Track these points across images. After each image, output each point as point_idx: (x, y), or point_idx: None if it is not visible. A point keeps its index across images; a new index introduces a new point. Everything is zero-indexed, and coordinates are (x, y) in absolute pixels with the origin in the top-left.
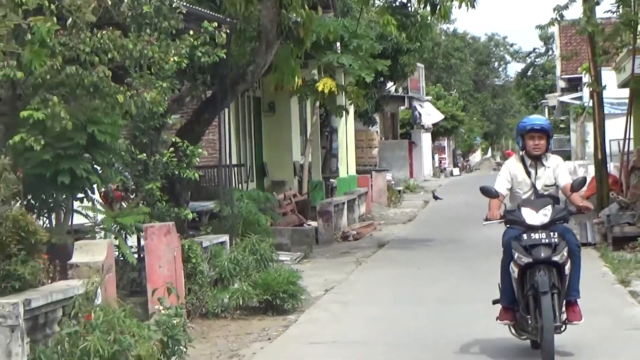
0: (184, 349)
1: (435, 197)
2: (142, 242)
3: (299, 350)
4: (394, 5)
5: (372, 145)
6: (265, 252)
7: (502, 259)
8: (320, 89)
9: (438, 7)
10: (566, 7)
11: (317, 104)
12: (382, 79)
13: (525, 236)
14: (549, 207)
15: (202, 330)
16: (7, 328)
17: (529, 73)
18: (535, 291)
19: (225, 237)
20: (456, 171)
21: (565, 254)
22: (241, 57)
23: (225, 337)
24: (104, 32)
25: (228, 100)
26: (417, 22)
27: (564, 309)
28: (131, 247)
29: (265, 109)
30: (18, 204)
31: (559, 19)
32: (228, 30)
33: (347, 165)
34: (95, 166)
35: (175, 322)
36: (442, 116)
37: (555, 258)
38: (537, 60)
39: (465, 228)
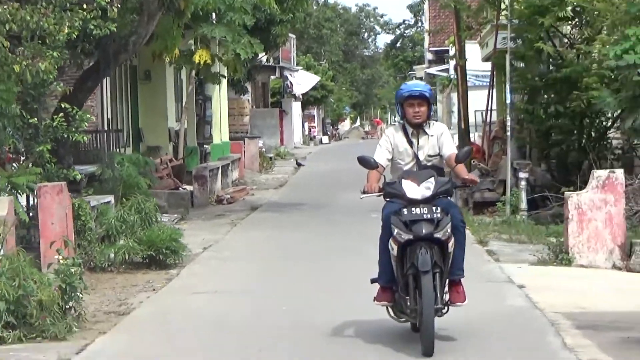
0: (80, 295)
1: (298, 164)
2: (32, 201)
3: (182, 299)
4: None
5: (243, 113)
6: (150, 211)
7: (381, 235)
8: (197, 60)
9: None
10: None
11: (193, 73)
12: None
13: (405, 211)
14: (432, 179)
15: (90, 283)
16: None
17: (398, 44)
18: (415, 270)
19: (110, 198)
20: (325, 139)
21: (449, 230)
22: (123, 27)
23: (112, 289)
24: (5, 6)
25: (110, 69)
26: None
27: (446, 289)
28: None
29: (141, 77)
30: None
31: None
32: (119, 5)
33: (220, 132)
34: None
35: (73, 270)
36: (316, 79)
37: (438, 235)
38: (406, 32)
39: (334, 193)
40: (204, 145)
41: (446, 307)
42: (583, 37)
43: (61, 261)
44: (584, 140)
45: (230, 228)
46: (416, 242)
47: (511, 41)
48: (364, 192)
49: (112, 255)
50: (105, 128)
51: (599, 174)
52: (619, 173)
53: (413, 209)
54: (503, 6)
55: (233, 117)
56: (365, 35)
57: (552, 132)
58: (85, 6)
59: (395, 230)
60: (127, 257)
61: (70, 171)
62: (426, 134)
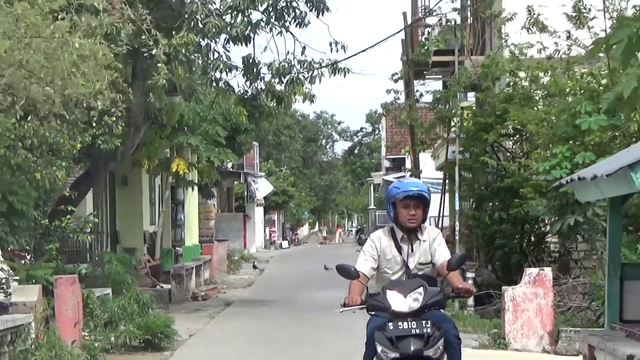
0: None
1: (255, 267)
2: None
3: None
4: (245, 97)
5: (209, 217)
6: (147, 301)
7: (364, 354)
8: (174, 169)
9: (283, 100)
10: (392, 104)
11: (169, 179)
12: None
13: (391, 325)
14: (421, 289)
15: None
16: None
17: (356, 151)
18: None
19: (109, 290)
20: (285, 244)
21: (441, 347)
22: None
23: None
24: (29, 123)
25: (101, 176)
26: (263, 111)
27: None
28: None
29: (118, 182)
30: None
31: (384, 114)
32: (123, 124)
33: (191, 235)
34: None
35: (96, 344)
36: (271, 187)
37: (429, 352)
38: (363, 139)
39: (297, 292)
40: (176, 247)
41: None
42: (523, 152)
43: (87, 338)
44: (524, 244)
45: (209, 320)
46: None
47: (460, 154)
48: (343, 305)
49: (112, 338)
50: (88, 230)
51: (531, 271)
52: (548, 270)
53: (399, 323)
54: (453, 124)
55: (200, 221)
56: (324, 141)
57: (497, 236)
58: (94, 124)
59: (380, 348)
60: (128, 341)
61: (76, 267)
62: (418, 239)
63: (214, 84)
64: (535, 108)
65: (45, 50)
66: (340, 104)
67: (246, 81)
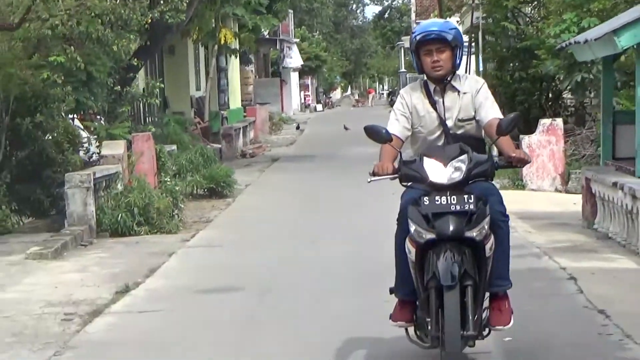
0: (182, 206)
1: (298, 128)
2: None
3: (241, 213)
4: None
5: (247, 82)
6: (211, 155)
7: (396, 232)
8: (222, 41)
9: None
10: None
11: (216, 48)
12: None
13: (426, 200)
14: (464, 157)
15: None
16: (84, 188)
17: (386, 15)
18: (437, 283)
19: (174, 146)
20: (319, 107)
21: (486, 227)
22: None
23: (189, 210)
24: (107, 2)
25: (158, 47)
26: None
27: (486, 304)
28: None
29: (166, 51)
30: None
31: None
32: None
33: (235, 99)
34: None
35: (177, 188)
36: (301, 62)
37: (471, 233)
38: (393, 2)
39: (336, 148)
40: (221, 111)
41: (487, 330)
42: (540, 17)
43: (168, 183)
44: (543, 100)
45: (259, 173)
46: (441, 244)
47: (483, 19)
48: (372, 174)
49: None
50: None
51: (544, 122)
52: (559, 121)
53: (437, 197)
54: None
55: (240, 87)
56: (354, 6)
57: (517, 93)
58: (161, 2)
59: (413, 227)
60: (194, 190)
61: (145, 126)
62: (456, 90)
63: None
64: None
65: None
66: None
67: None
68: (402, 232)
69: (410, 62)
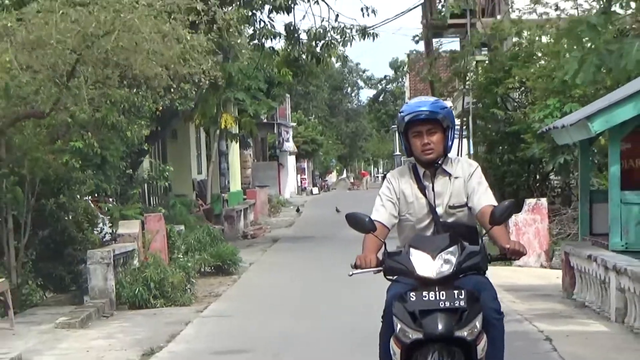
0: (194, 281)
1: (298, 210)
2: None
3: (247, 289)
4: (289, 58)
5: (246, 166)
6: (217, 234)
7: (381, 330)
8: (223, 125)
9: (321, 61)
10: (414, 55)
11: (218, 132)
12: None
13: (413, 296)
14: (454, 248)
15: None
16: (105, 264)
17: (381, 98)
18: None
19: (182, 226)
20: (315, 190)
21: (478, 325)
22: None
23: (199, 285)
24: (122, 91)
25: (166, 132)
26: (305, 71)
27: None
28: None
29: (168, 136)
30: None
31: (408, 71)
32: (196, 89)
33: (235, 182)
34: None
35: (189, 265)
36: (294, 146)
37: (462, 333)
38: (387, 86)
39: (333, 229)
40: (222, 194)
41: None
42: (528, 102)
43: (181, 260)
44: (531, 181)
45: (262, 253)
46: (428, 344)
47: (474, 105)
48: (354, 267)
49: (189, 264)
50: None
51: (530, 201)
52: (543, 200)
53: (425, 293)
54: (467, 78)
55: None
56: (349, 89)
57: (506, 175)
58: (172, 89)
59: (399, 326)
60: (201, 267)
61: (156, 207)
62: (447, 174)
63: (261, 48)
64: (537, 65)
65: (165, 42)
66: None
67: (288, 45)
68: (387, 331)
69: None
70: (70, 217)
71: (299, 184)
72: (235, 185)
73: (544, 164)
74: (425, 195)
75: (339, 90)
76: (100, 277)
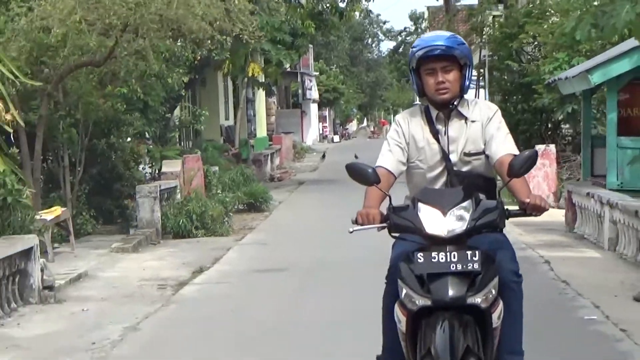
0: (231, 214)
1: (323, 156)
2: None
3: (278, 223)
4: (314, 12)
5: (270, 113)
6: (250, 174)
7: (384, 292)
8: (250, 73)
9: (344, 15)
10: (435, 16)
11: (246, 80)
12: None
13: (421, 256)
14: (468, 203)
15: None
16: (152, 198)
17: (400, 50)
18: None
19: (216, 167)
20: (337, 138)
21: (494, 291)
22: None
23: (234, 221)
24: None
25: (199, 79)
26: (328, 24)
27: None
28: None
29: (198, 83)
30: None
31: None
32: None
33: (261, 128)
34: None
35: (227, 199)
36: (317, 95)
37: (475, 299)
38: (407, 38)
39: None
40: (249, 139)
41: None
42: (540, 55)
43: (220, 194)
44: (543, 129)
45: (289, 193)
46: (438, 312)
47: (489, 57)
48: (355, 222)
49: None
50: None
51: (539, 147)
52: (552, 146)
53: (434, 253)
54: (484, 32)
55: None
56: (369, 40)
57: (520, 124)
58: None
59: (404, 291)
60: (236, 204)
61: (193, 149)
62: (463, 117)
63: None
64: (549, 21)
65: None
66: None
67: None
68: (391, 295)
69: None
70: (118, 156)
71: (321, 132)
72: (261, 131)
73: (556, 113)
74: (438, 140)
75: (360, 40)
76: (147, 209)
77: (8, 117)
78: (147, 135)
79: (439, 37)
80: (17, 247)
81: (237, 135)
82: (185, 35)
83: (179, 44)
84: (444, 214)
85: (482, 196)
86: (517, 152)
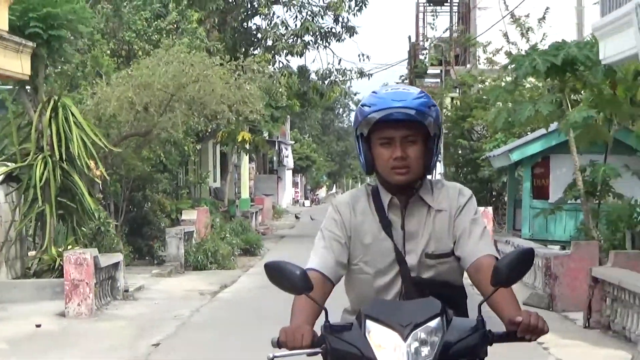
0: (236, 253)
1: (297, 217)
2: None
3: None
4: (299, 92)
5: (250, 177)
6: (247, 225)
7: None
8: (239, 140)
9: (324, 95)
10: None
11: (235, 148)
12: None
13: None
14: (437, 322)
15: None
16: (178, 238)
17: None
18: None
19: (217, 219)
20: (307, 203)
21: None
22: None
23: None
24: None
25: (202, 148)
26: (311, 103)
27: None
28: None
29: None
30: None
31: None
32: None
33: (245, 190)
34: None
35: (234, 242)
36: (292, 163)
37: None
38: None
39: None
40: (235, 199)
41: None
42: (487, 135)
43: (228, 238)
44: (488, 197)
45: (275, 244)
46: None
47: (445, 135)
48: (277, 345)
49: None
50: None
51: (479, 209)
52: (489, 208)
53: None
54: (442, 113)
55: None
56: (340, 110)
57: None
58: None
59: None
60: (233, 250)
61: (200, 202)
62: (425, 205)
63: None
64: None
65: (230, 89)
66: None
67: (300, 82)
68: None
69: None
70: (149, 207)
71: (293, 197)
72: (245, 192)
73: (493, 183)
74: (390, 235)
75: (331, 110)
76: (174, 246)
77: (98, 172)
78: (167, 191)
79: (404, 95)
80: (111, 260)
81: (226, 195)
82: (207, 115)
83: (195, 119)
84: (404, 337)
85: (450, 312)
86: (497, 254)
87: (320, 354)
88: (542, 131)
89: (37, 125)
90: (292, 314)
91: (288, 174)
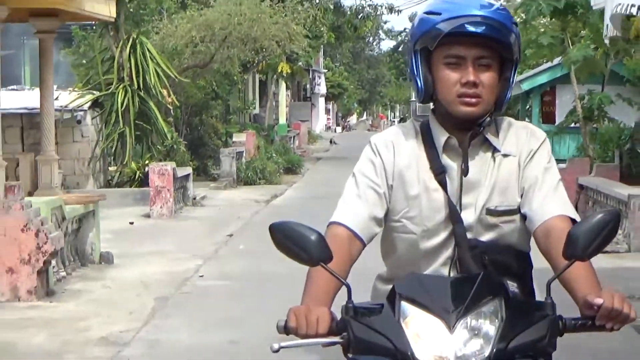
0: (281, 170)
1: (332, 142)
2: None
3: (312, 179)
4: (334, 25)
5: (286, 105)
6: (289, 147)
7: None
8: (279, 70)
9: (357, 29)
10: None
11: (275, 77)
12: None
13: None
14: (494, 305)
15: None
16: (231, 157)
17: (400, 49)
18: None
19: (263, 141)
20: (339, 129)
21: None
22: None
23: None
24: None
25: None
26: (345, 36)
27: None
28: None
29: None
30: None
31: None
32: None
33: (282, 116)
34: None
35: (279, 160)
36: (325, 90)
37: None
38: (406, 38)
39: (359, 152)
40: (274, 124)
41: None
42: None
43: (274, 156)
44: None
45: (312, 164)
46: None
47: None
48: (285, 331)
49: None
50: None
51: None
52: None
53: None
54: None
55: None
56: (371, 39)
57: None
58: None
59: None
60: (278, 167)
61: (246, 126)
62: (490, 148)
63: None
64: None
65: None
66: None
67: (335, 17)
68: None
69: None
70: (204, 130)
71: (326, 123)
72: (282, 119)
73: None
74: (444, 185)
75: (362, 39)
76: (228, 164)
77: (169, 100)
78: (218, 117)
79: (483, 3)
80: (184, 172)
81: (265, 121)
82: (257, 49)
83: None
84: (450, 326)
85: (513, 287)
86: (575, 215)
87: (339, 344)
88: (550, 64)
89: (119, 59)
90: (305, 289)
91: (321, 101)
